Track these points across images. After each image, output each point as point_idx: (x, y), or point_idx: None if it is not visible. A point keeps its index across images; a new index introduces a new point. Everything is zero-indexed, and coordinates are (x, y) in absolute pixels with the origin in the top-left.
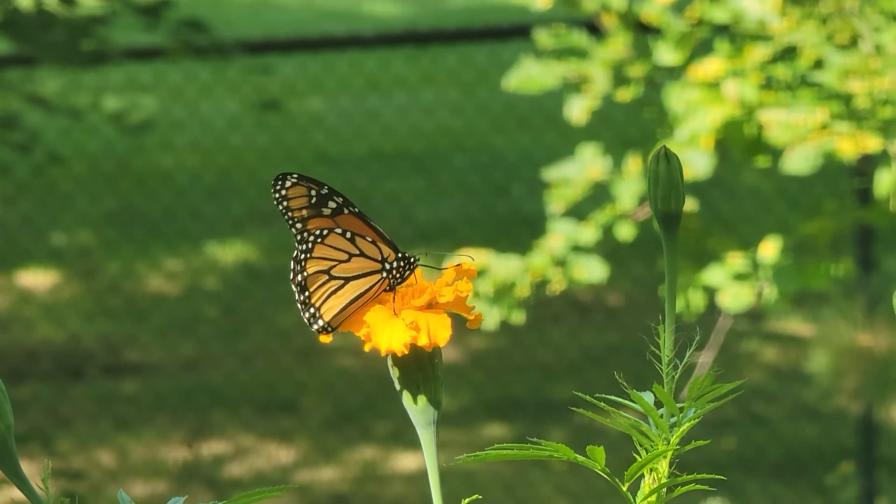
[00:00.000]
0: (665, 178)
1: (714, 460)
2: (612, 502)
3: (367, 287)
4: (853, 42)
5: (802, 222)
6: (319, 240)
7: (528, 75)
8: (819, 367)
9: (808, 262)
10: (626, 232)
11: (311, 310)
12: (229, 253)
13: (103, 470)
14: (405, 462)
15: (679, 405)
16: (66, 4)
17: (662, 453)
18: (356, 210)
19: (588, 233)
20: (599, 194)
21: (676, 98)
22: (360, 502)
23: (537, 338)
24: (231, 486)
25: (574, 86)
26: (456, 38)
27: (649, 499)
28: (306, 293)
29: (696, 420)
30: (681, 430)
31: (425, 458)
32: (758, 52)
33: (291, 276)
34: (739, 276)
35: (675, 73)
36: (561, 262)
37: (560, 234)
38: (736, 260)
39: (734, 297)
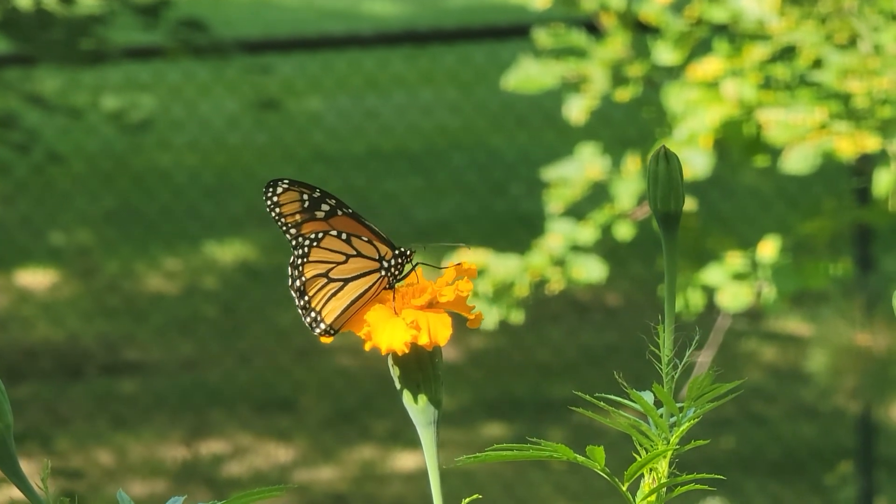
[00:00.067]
0: (665, 178)
1: (713, 459)
2: (611, 502)
3: (367, 287)
4: (852, 42)
5: (801, 222)
6: (315, 243)
7: (527, 75)
8: (818, 366)
9: (806, 262)
10: (624, 231)
11: (313, 314)
12: (228, 252)
13: (102, 469)
14: (404, 461)
15: (678, 405)
16: (65, 4)
17: (662, 453)
18: (350, 211)
19: (587, 232)
20: (598, 194)
21: (675, 98)
22: (358, 502)
23: (536, 337)
24: (229, 486)
25: (573, 85)
26: (455, 38)
27: (649, 498)
28: (306, 298)
29: (696, 420)
30: (680, 429)
31: (426, 458)
32: (757, 52)
33: (290, 282)
34: (738, 276)
35: (674, 72)
36: (560, 262)
37: (559, 234)
38: (735, 259)
39: (733, 297)
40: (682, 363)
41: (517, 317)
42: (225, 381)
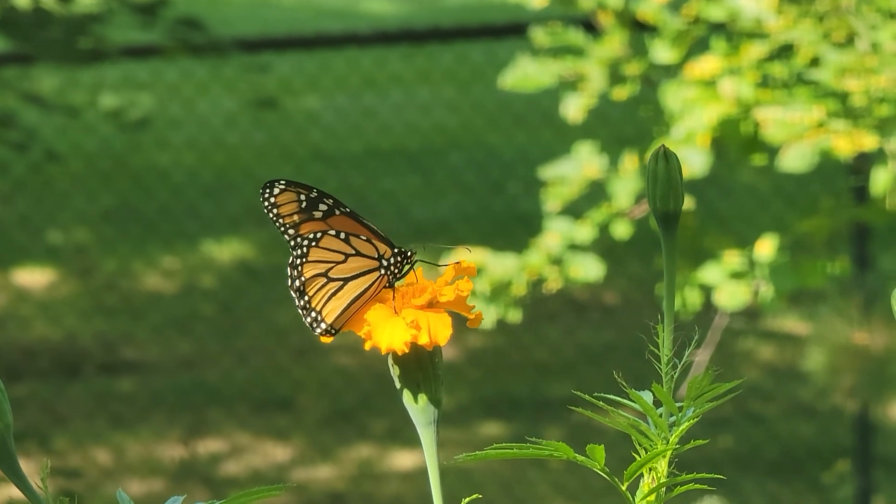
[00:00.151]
0: (664, 177)
1: (711, 459)
2: (610, 501)
3: (367, 286)
4: (850, 40)
5: (799, 220)
6: (314, 243)
7: (525, 73)
8: (815, 365)
9: (804, 261)
10: (622, 230)
11: (313, 314)
12: (226, 251)
13: (100, 468)
14: (402, 460)
15: (678, 404)
16: (63, 3)
17: (662, 452)
18: (348, 210)
19: (584, 231)
20: (596, 192)
21: (673, 96)
22: (356, 501)
23: (534, 336)
24: (227, 485)
25: (570, 84)
26: (452, 37)
27: (648, 498)
28: (306, 298)
29: (696, 419)
30: (680, 429)
31: (426, 457)
32: (754, 50)
33: (289, 282)
34: (736, 275)
35: (672, 71)
36: (557, 261)
37: (556, 233)
38: (732, 258)
39: (730, 296)
40: (682, 363)
41: (515, 316)
42: (223, 380)
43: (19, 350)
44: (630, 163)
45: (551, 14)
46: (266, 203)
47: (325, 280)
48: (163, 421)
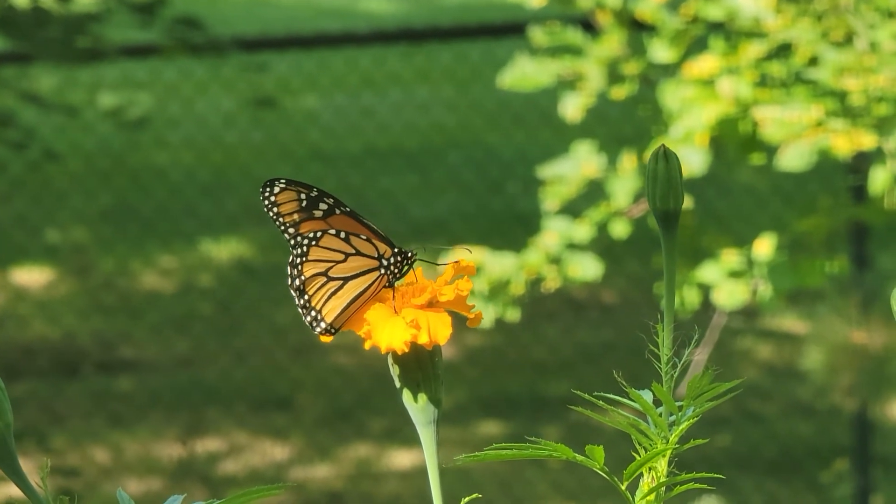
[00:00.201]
0: (664, 177)
1: (709, 458)
2: (608, 500)
3: (367, 285)
4: (848, 39)
5: (797, 219)
6: (314, 242)
7: (523, 73)
8: (814, 364)
9: (802, 260)
10: (620, 229)
11: (313, 313)
12: (224, 250)
13: (98, 467)
14: (400, 459)
15: (677, 404)
16: (62, 2)
17: (662, 452)
18: (348, 209)
19: (582, 230)
20: (594, 192)
21: (671, 95)
22: (354, 500)
23: (532, 335)
24: (225, 484)
25: (568, 83)
26: (450, 36)
27: (648, 497)
28: (306, 297)
29: (696, 419)
30: (680, 428)
31: (425, 457)
32: (752, 50)
33: (289, 282)
34: (734, 274)
35: (670, 70)
36: (555, 260)
37: (554, 232)
38: (731, 257)
39: (729, 295)
40: (682, 362)
41: (513, 315)
42: (221, 379)
43: (18, 349)
44: (628, 162)
45: (550, 13)
46: (266, 202)
47: (324, 279)
48: (161, 420)
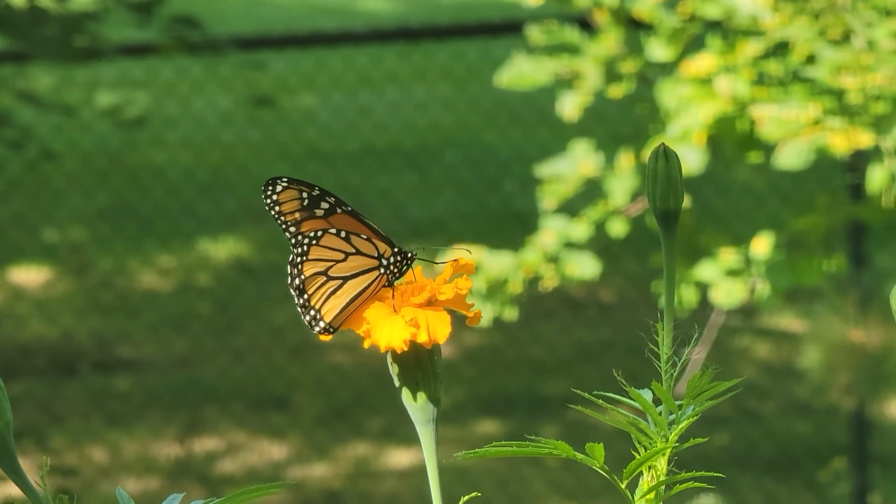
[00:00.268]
0: (664, 176)
1: (707, 456)
2: (606, 498)
3: (366, 285)
4: (845, 37)
5: (795, 218)
6: (314, 241)
7: (520, 71)
8: (811, 363)
9: (800, 258)
10: (618, 228)
11: (312, 312)
12: (222, 249)
13: (96, 466)
14: (398, 458)
15: (677, 402)
16: (59, 0)
17: (661, 450)
18: (349, 208)
19: (580, 229)
20: (591, 190)
21: (668, 94)
22: (352, 499)
23: (530, 334)
24: (223, 483)
25: (566, 82)
26: (448, 34)
27: (648, 496)
28: (305, 296)
29: (695, 417)
30: (679, 427)
31: (424, 456)
32: (750, 48)
33: (289, 281)
34: (732, 272)
35: (667, 69)
36: (553, 259)
37: (552, 231)
38: (728, 256)
39: (727, 293)
40: (682, 361)
41: (511, 314)
42: (219, 378)
43: (15, 348)
44: (626, 161)
45: (547, 12)
46: (268, 200)
47: (324, 278)
48: (159, 419)
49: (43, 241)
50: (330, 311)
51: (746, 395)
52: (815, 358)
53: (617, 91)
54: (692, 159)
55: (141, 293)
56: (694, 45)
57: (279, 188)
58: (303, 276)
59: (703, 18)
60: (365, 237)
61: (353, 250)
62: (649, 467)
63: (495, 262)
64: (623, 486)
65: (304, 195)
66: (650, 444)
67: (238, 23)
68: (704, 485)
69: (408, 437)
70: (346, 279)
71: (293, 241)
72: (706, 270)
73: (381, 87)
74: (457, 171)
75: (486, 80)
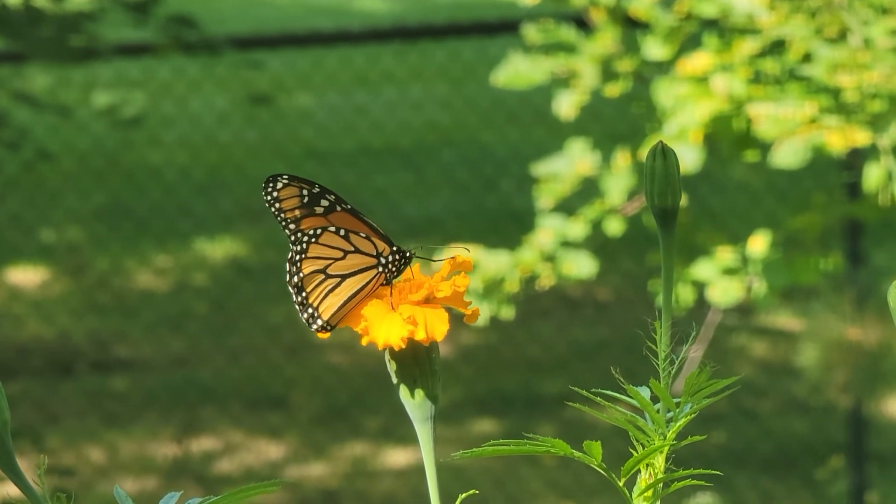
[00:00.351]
0: (661, 174)
1: (704, 454)
2: (603, 497)
3: (364, 283)
4: (842, 36)
5: (791, 216)
6: (313, 239)
7: (517, 70)
8: (809, 361)
9: (797, 257)
10: (615, 227)
11: (310, 310)
12: (218, 249)
13: (93, 466)
14: (395, 458)
15: (674, 400)
16: (55, 1)
17: (659, 448)
18: (349, 207)
19: (577, 228)
20: (588, 189)
21: (665, 93)
22: (350, 498)
23: (526, 333)
24: (220, 483)
25: (562, 81)
26: (444, 34)
27: (646, 494)
28: (303, 294)
29: (693, 415)
30: (677, 425)
31: (423, 453)
32: (746, 47)
33: (287, 278)
34: (728, 271)
35: (664, 67)
36: (550, 258)
37: (549, 230)
38: (725, 254)
39: (723, 292)
40: (680, 359)
41: (508, 313)
42: (216, 378)
43: (12, 348)
44: (622, 159)
45: (543, 11)
46: (268, 197)
47: (323, 276)
48: (156, 419)
49: (39, 241)
50: (328, 308)
51: (743, 394)
52: (813, 356)
53: (613, 90)
54: (689, 158)
55: (138, 293)
56: (690, 43)
57: (280, 185)
58: (301, 274)
59: (699, 17)
60: (364, 235)
61: (352, 248)
62: (647, 465)
63: (492, 262)
64: (621, 484)
65: (305, 192)
66: (648, 441)
67: (234, 22)
68: (702, 482)
69: (405, 436)
70: (344, 277)
71: (292, 238)
72: (703, 269)
73: (378, 87)
74: (453, 170)
75: (483, 80)
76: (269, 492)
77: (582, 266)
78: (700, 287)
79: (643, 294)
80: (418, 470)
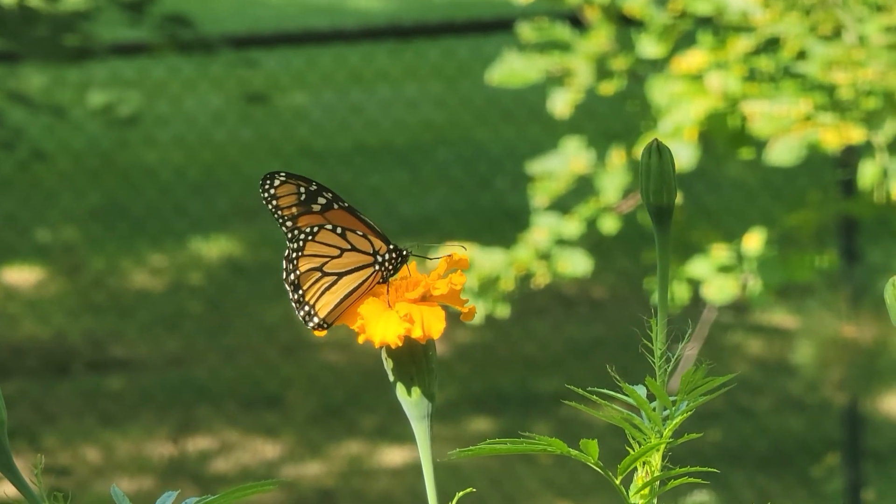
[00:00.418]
0: (657, 171)
1: (700, 452)
2: (599, 495)
3: (361, 281)
4: (836, 33)
5: (786, 214)
6: (310, 237)
7: (512, 69)
8: (804, 358)
9: (792, 254)
10: (610, 225)
11: (307, 308)
12: (214, 248)
13: (89, 466)
14: (391, 456)
15: (671, 398)
16: (50, 1)
17: (656, 446)
18: (346, 205)
19: (572, 226)
20: (583, 187)
21: (660, 91)
22: (345, 497)
23: (522, 331)
24: (216, 482)
25: (557, 79)
26: (439, 32)
27: (643, 492)
28: (300, 291)
29: (689, 413)
30: (673, 423)
31: (419, 451)
32: (741, 44)
33: (284, 276)
34: (724, 268)
35: (659, 65)
36: (545, 256)
37: (544, 228)
38: (720, 252)
39: (719, 289)
40: (676, 357)
41: (503, 311)
42: (211, 377)
43: (8, 348)
44: (617, 157)
45: (538, 9)
46: (266, 194)
47: (319, 274)
48: (152, 418)
49: (35, 241)
50: (324, 306)
51: (739, 391)
52: (808, 354)
53: (608, 88)
54: (684, 156)
55: (133, 293)
56: (685, 41)
57: (277, 182)
58: (298, 272)
59: (693, 15)
60: (361, 234)
61: (349, 246)
62: (643, 463)
63: (487, 260)
64: (618, 482)
65: (302, 190)
66: (644, 439)
67: (230, 22)
68: (698, 480)
69: (401, 435)
70: (341, 275)
71: (289, 235)
72: (698, 267)
73: (373, 86)
74: (448, 168)
75: (478, 78)
76: (266, 491)
77: (577, 264)
78: (695, 285)
79: (638, 292)
80: (415, 468)
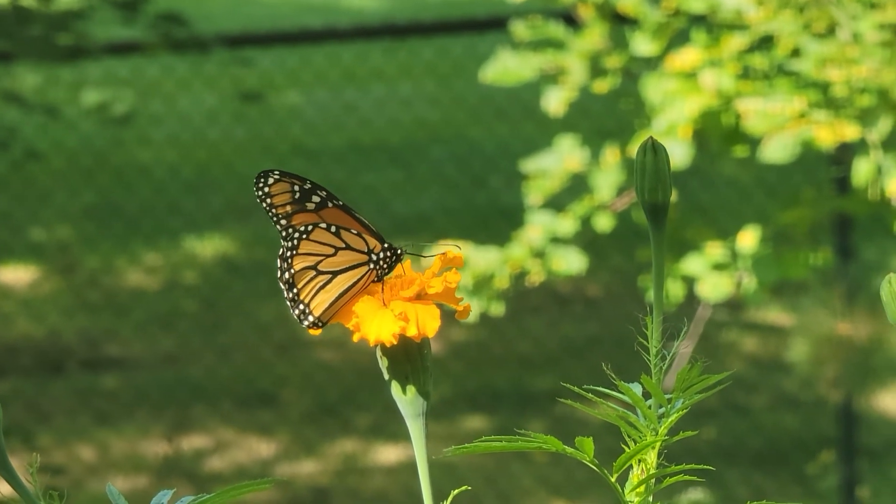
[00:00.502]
0: (652, 169)
1: (695, 450)
2: (593, 493)
3: (355, 280)
4: (830, 30)
5: (781, 211)
6: (304, 236)
7: (505, 67)
8: (799, 356)
9: (786, 252)
10: (604, 223)
11: (301, 306)
12: (208, 247)
13: (84, 465)
14: (386, 455)
15: (666, 396)
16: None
17: (651, 444)
18: (340, 203)
19: (566, 224)
20: (577, 185)
21: (653, 89)
22: (340, 495)
23: (516, 329)
24: (211, 480)
25: (551, 77)
26: (433, 31)
27: (638, 490)
28: (294, 290)
29: (684, 411)
30: (669, 420)
31: (414, 449)
32: (735, 42)
33: (279, 275)
34: (718, 266)
35: (652, 63)
36: (539, 254)
37: (538, 226)
38: (715, 250)
39: (713, 287)
40: (671, 354)
41: (497, 309)
42: (206, 375)
43: (2, 347)
44: (611, 155)
45: (532, 8)
46: (260, 193)
47: (314, 273)
48: (147, 417)
49: (29, 240)
50: (319, 305)
51: (734, 389)
52: (803, 351)
53: (602, 86)
54: (678, 153)
55: (128, 291)
56: (679, 39)
57: (271, 181)
58: (292, 271)
59: (687, 13)
60: (355, 232)
61: (343, 245)
62: (639, 461)
63: (482, 258)
64: (613, 480)
65: (296, 188)
66: (640, 437)
67: (224, 20)
68: (694, 478)
69: (396, 433)
70: (335, 274)
71: (284, 234)
72: (693, 264)
73: (367, 84)
74: (442, 167)
75: (472, 76)
76: (261, 490)
77: (571, 262)
78: (690, 282)
79: (633, 290)
80: (410, 466)
